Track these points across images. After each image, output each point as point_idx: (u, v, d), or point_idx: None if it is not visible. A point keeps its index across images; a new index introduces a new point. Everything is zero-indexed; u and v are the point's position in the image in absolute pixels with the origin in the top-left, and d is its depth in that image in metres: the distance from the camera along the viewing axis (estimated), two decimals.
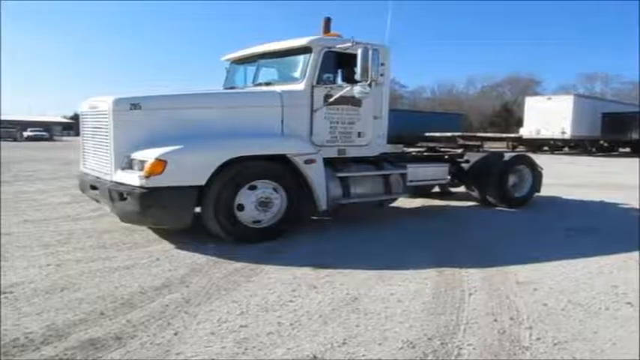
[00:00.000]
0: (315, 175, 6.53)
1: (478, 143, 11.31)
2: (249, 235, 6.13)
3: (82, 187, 6.96)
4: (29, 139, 54.68)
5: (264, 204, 6.20)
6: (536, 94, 52.91)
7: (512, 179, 9.42)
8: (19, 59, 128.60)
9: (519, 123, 39.92)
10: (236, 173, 5.96)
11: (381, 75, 7.11)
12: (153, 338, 3.42)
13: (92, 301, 4.09)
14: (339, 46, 6.86)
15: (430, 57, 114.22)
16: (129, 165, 5.77)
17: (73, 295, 4.22)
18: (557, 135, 33.75)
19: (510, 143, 36.01)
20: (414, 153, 9.21)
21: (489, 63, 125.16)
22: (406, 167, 7.94)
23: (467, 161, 9.42)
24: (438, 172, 8.94)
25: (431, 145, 10.49)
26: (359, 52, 6.36)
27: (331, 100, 6.85)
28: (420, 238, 6.71)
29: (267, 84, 7.41)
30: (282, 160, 6.35)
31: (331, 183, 6.82)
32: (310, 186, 6.53)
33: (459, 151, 9.99)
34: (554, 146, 35.83)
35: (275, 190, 6.30)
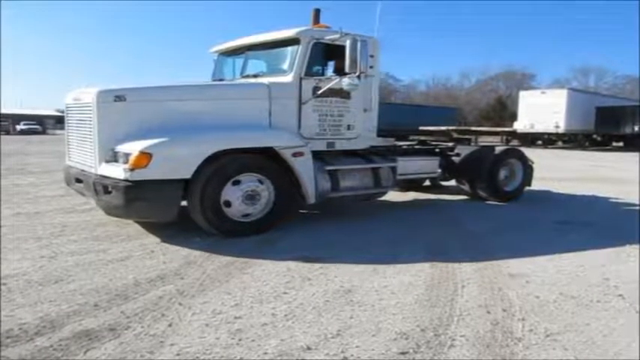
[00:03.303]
0: (304, 168, 6.47)
1: (469, 137, 11.32)
2: (238, 228, 6.07)
3: (67, 180, 6.87)
4: (22, 132, 54.40)
5: (251, 197, 6.13)
6: (530, 88, 53.03)
7: (503, 173, 9.38)
8: (11, 52, 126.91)
9: (513, 117, 40.03)
10: (223, 166, 5.89)
11: (371, 67, 7.08)
12: (147, 329, 3.43)
13: (86, 293, 4.09)
14: (328, 38, 6.76)
15: (425, 50, 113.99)
16: (113, 158, 5.69)
17: (66, 287, 4.22)
18: (550, 129, 33.90)
19: (504, 137, 36.25)
20: (405, 146, 9.14)
21: (484, 56, 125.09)
22: (396, 160, 7.86)
23: (458, 155, 9.35)
24: (428, 166, 8.83)
25: (422, 138, 10.46)
26: (347, 43, 6.29)
27: (319, 92, 6.74)
28: (412, 232, 6.71)
29: (255, 76, 7.30)
30: (269, 153, 6.29)
31: (320, 176, 6.75)
32: (298, 179, 6.47)
33: (450, 144, 9.93)
34: (547, 140, 35.97)
35: (262, 183, 6.23)
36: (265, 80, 6.82)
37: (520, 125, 35.88)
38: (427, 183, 10.39)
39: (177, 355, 3.08)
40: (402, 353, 3.13)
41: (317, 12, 7.63)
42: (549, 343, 3.32)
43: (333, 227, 6.85)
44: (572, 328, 3.57)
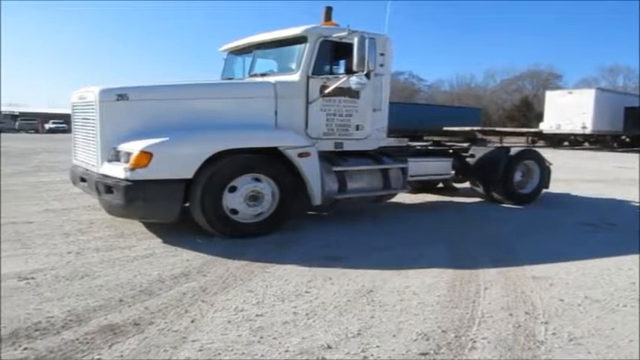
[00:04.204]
0: (310, 168, 6.33)
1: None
2: (240, 229, 5.96)
3: (72, 179, 6.85)
4: (51, 130, 55.50)
5: (254, 198, 6.01)
6: (556, 87, 52.23)
7: (518, 175, 9.15)
8: (36, 52, 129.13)
9: (539, 117, 39.48)
10: (225, 167, 5.79)
11: (381, 65, 6.97)
12: (170, 325, 3.48)
13: (111, 288, 4.17)
14: (336, 35, 6.58)
15: (449, 50, 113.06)
16: (115, 157, 5.64)
17: (92, 282, 4.31)
18: (577, 130, 33.28)
19: (530, 138, 35.70)
20: (418, 147, 8.99)
21: (509, 56, 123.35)
22: (407, 161, 7.67)
23: (472, 156, 9.10)
24: (441, 167, 8.62)
25: (436, 139, 10.32)
26: (355, 40, 6.14)
27: (327, 91, 6.60)
28: (432, 233, 6.69)
29: (263, 75, 7.19)
30: (275, 153, 6.17)
31: (327, 177, 6.61)
32: (304, 180, 6.33)
33: (465, 145, 9.70)
34: (574, 141, 35.35)
35: (266, 183, 6.10)
36: (272, 79, 6.75)
37: (546, 126, 35.34)
38: (440, 185, 10.20)
39: (200, 350, 3.12)
40: (423, 354, 3.13)
41: (328, 10, 7.37)
42: (573, 347, 3.28)
43: (352, 228, 6.86)
44: (596, 333, 3.52)
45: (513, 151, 9.29)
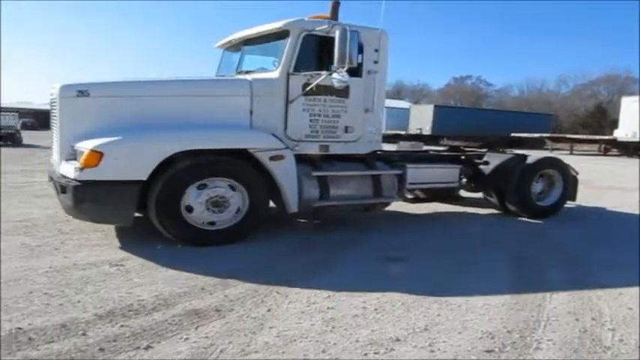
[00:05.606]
0: (283, 173, 5.89)
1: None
2: (201, 236, 5.63)
3: (49, 178, 6.39)
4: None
5: (217, 204, 5.65)
6: (634, 93, 49.74)
7: (537, 186, 8.37)
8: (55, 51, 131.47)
9: (614, 125, 37.77)
10: (184, 169, 5.45)
11: (375, 62, 6.52)
12: (248, 312, 3.79)
13: (193, 277, 4.53)
14: (319, 29, 6.07)
15: (519, 54, 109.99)
16: (73, 156, 5.37)
17: (175, 272, 4.68)
18: None
19: (602, 146, 34.26)
20: (431, 152, 8.53)
21: (583, 60, 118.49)
22: (405, 167, 7.11)
23: (486, 163, 8.31)
24: (445, 175, 7.87)
25: (455, 144, 9.86)
26: (336, 34, 5.66)
27: (307, 89, 6.10)
28: (487, 238, 6.77)
29: (248, 72, 6.65)
30: (244, 155, 5.78)
31: (306, 182, 6.14)
32: (278, 185, 5.91)
33: (483, 150, 8.99)
34: None
35: (233, 188, 5.73)
36: (249, 76, 6.34)
37: (621, 133, 33.73)
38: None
39: (277, 336, 3.39)
40: (488, 351, 3.26)
41: (335, 5, 6.55)
42: None
43: (411, 231, 6.99)
44: None
45: (531, 159, 8.44)
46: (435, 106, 40.83)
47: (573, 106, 67.73)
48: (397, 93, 78.87)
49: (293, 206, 6.01)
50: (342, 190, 6.47)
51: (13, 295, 3.94)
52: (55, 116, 5.86)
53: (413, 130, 39.25)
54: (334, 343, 3.30)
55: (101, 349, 3.09)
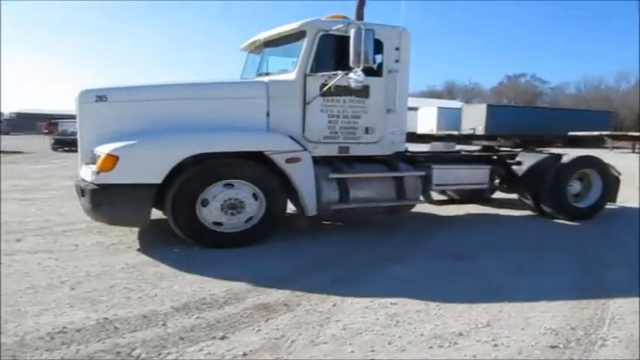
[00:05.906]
0: (301, 175, 5.83)
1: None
2: (217, 239, 5.63)
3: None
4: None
5: (233, 207, 5.62)
6: None
7: (574, 186, 8.07)
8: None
9: None
10: (201, 172, 5.49)
11: (396, 61, 6.38)
12: (315, 307, 3.96)
13: (258, 273, 4.74)
14: (335, 28, 6.00)
15: (575, 51, 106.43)
16: (92, 160, 5.44)
17: (243, 268, 4.91)
18: None
19: None
20: (463, 152, 8.35)
21: None
22: (430, 168, 6.93)
23: (519, 163, 8.06)
24: (474, 175, 7.58)
25: (486, 143, 9.52)
26: (351, 33, 5.58)
27: (324, 89, 6.04)
28: (546, 239, 6.70)
29: (267, 74, 6.70)
30: (262, 158, 5.76)
31: (325, 185, 6.04)
32: (295, 188, 5.86)
33: (516, 150, 8.72)
34: None
35: (254, 195, 5.71)
36: (266, 78, 6.38)
37: None
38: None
39: (343, 329, 3.54)
40: (552, 347, 3.31)
41: (361, 4, 6.43)
42: None
43: (474, 230, 7.04)
44: None
45: (566, 158, 8.10)
46: (488, 105, 40.06)
47: (635, 102, 64.90)
48: (449, 93, 77.84)
49: (311, 209, 5.97)
50: (363, 192, 6.35)
51: (95, 288, 4.26)
52: (76, 122, 5.99)
53: (466, 130, 38.64)
54: (399, 337, 3.42)
55: (181, 338, 3.33)
